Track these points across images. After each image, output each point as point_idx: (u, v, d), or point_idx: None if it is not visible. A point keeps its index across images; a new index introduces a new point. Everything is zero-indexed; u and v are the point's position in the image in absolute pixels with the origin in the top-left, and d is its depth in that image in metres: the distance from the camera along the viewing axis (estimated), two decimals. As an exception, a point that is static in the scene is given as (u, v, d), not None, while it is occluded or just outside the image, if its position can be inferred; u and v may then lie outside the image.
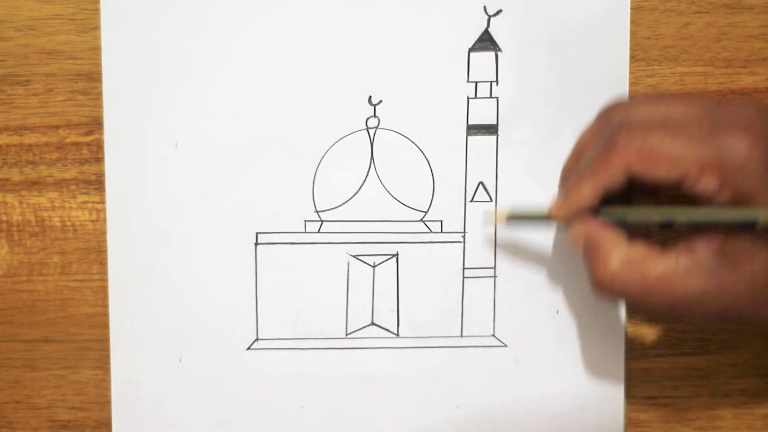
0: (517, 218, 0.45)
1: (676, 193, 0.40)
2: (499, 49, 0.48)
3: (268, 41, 0.48)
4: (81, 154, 0.48)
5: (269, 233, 0.48)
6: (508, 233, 0.48)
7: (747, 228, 0.38)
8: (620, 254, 0.40)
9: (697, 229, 0.40)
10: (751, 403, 0.50)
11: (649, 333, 0.49)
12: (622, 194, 0.41)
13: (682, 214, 0.40)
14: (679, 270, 0.39)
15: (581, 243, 0.42)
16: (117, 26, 0.47)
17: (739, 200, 0.38)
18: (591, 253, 0.41)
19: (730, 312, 0.39)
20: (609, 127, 0.41)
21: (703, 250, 0.39)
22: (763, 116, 0.39)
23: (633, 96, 0.47)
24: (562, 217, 0.42)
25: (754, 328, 0.41)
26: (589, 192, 0.41)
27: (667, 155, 0.38)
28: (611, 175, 0.40)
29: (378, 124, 0.48)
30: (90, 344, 0.49)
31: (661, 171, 0.39)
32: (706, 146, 0.38)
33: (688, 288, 0.39)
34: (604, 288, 0.40)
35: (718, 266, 0.39)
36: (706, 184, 0.38)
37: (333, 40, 0.48)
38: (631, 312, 0.49)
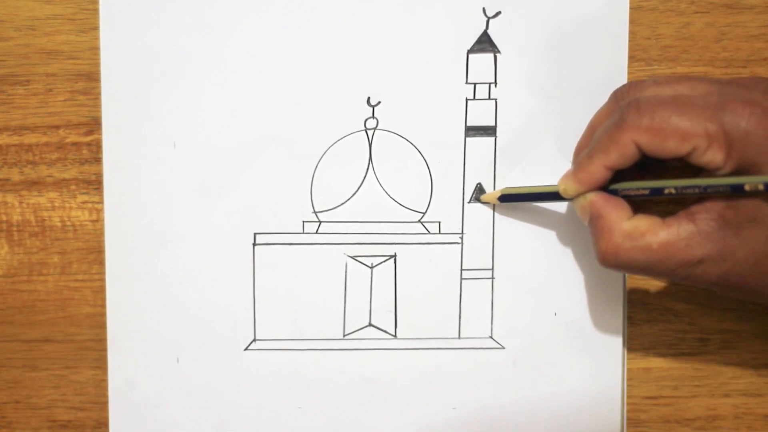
0: (511, 196, 0.46)
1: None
2: (498, 51, 0.48)
3: (266, 42, 0.47)
4: (81, 154, 0.48)
5: (267, 234, 0.48)
6: (506, 234, 0.48)
7: (735, 192, 0.39)
8: (623, 227, 0.41)
9: (700, 200, 0.40)
10: (751, 403, 0.50)
11: (649, 333, 0.49)
12: (635, 170, 0.42)
13: (670, 185, 0.41)
14: (680, 236, 0.40)
15: (587, 216, 0.43)
16: (116, 26, 0.47)
17: (745, 169, 0.39)
18: (596, 227, 0.42)
19: (732, 277, 0.40)
20: (618, 106, 0.42)
21: (704, 216, 0.40)
22: None
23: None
24: (571, 194, 0.43)
25: (758, 298, 0.42)
26: (598, 170, 0.42)
27: (676, 130, 0.39)
28: (620, 152, 0.41)
29: (376, 125, 0.48)
30: (90, 344, 0.49)
31: (670, 146, 0.39)
32: (713, 119, 0.39)
33: (690, 252, 0.40)
34: (609, 261, 0.41)
35: (719, 231, 0.39)
36: (714, 155, 0.39)
37: (332, 41, 0.48)
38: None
